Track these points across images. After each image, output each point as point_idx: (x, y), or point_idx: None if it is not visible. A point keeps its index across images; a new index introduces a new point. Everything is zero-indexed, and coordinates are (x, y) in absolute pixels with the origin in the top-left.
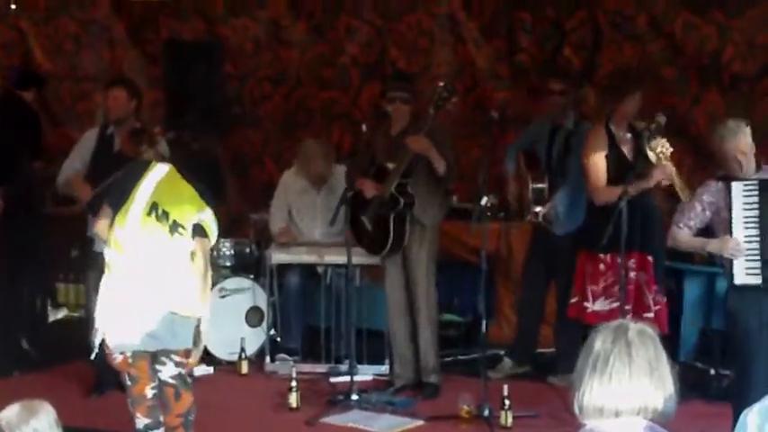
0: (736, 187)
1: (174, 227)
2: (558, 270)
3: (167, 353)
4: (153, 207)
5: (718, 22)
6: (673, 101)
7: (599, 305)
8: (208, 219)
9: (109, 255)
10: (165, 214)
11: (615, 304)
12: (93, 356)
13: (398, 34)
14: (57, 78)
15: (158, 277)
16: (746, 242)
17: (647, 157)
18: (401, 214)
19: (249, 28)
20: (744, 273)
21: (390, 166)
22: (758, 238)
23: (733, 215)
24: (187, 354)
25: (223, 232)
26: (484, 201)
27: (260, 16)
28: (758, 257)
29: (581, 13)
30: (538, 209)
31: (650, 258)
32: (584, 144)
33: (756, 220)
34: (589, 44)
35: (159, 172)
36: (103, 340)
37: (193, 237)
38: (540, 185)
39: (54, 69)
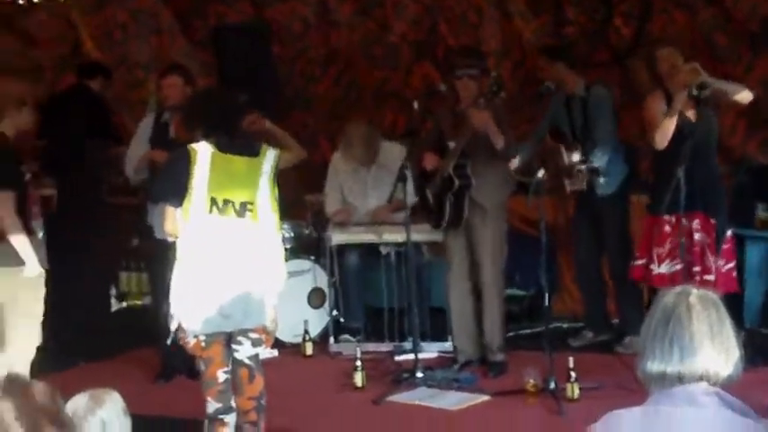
0: None
1: (242, 209)
2: (607, 234)
3: (244, 332)
4: (212, 203)
5: None
6: (726, 68)
7: (664, 267)
8: (271, 157)
9: (179, 244)
10: (228, 203)
11: (680, 266)
12: (169, 342)
13: (447, 10)
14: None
15: (230, 259)
16: None
17: (708, 119)
18: (457, 194)
19: (297, 9)
20: None
21: (451, 145)
22: None
23: None
24: (264, 330)
25: (281, 215)
26: (540, 173)
27: None
28: None
29: None
30: (582, 167)
31: (713, 221)
32: (644, 107)
33: None
34: (638, 13)
35: (204, 160)
36: (179, 325)
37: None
38: (575, 154)
39: (104, 59)
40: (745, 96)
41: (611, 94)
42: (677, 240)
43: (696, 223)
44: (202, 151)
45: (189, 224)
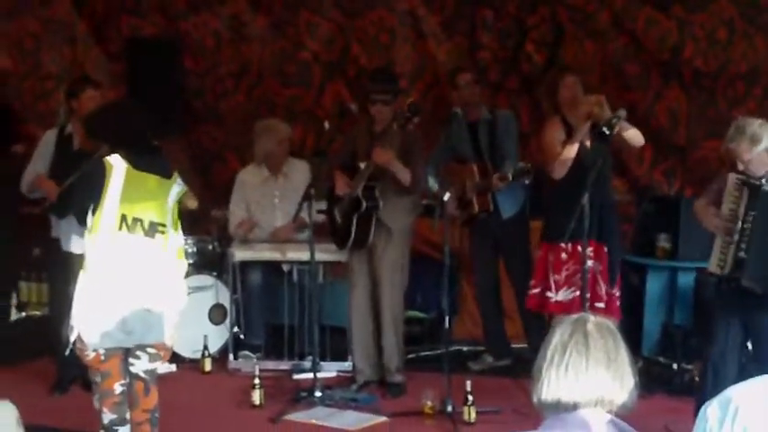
0: (731, 179)
1: (152, 229)
2: (511, 258)
3: (142, 347)
4: (122, 220)
5: (679, 17)
6: (635, 97)
7: (562, 295)
8: (181, 183)
9: (86, 255)
10: (138, 221)
11: (577, 293)
12: (67, 353)
13: (360, 31)
14: (18, 77)
15: (134, 276)
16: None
17: (603, 148)
18: (364, 216)
19: (210, 23)
20: (716, 262)
21: (362, 166)
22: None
23: (723, 207)
24: (163, 346)
25: (185, 229)
26: (446, 197)
27: (221, 12)
28: (724, 252)
29: (543, 10)
30: (508, 172)
31: (605, 249)
32: (539, 133)
33: (734, 215)
34: (550, 41)
35: (118, 174)
36: (78, 337)
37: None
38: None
39: (15, 68)
40: (639, 142)
41: (516, 117)
42: (575, 267)
43: (589, 251)
44: (117, 166)
45: (98, 238)
